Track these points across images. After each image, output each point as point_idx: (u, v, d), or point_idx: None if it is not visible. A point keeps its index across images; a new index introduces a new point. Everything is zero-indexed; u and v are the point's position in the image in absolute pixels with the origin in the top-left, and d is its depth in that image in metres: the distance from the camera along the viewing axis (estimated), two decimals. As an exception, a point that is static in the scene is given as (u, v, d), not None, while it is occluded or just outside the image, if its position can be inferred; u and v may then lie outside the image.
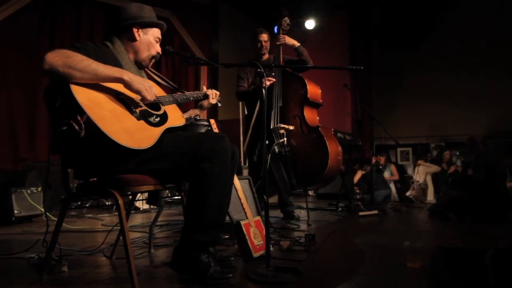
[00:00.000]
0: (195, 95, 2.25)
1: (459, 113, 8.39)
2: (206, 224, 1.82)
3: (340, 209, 4.61)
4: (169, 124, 1.89)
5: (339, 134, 4.31)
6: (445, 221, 4.02)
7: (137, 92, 1.75)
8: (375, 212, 4.43)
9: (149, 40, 2.06)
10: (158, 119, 1.86)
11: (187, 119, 2.15)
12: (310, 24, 8.70)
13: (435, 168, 7.06)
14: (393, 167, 7.51)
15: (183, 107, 2.27)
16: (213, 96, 2.31)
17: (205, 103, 2.31)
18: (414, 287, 1.88)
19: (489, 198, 4.19)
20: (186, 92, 2.22)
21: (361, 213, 4.32)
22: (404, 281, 1.95)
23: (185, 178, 2.03)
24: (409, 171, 8.78)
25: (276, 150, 3.31)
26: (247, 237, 2.25)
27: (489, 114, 8.13)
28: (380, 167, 6.86)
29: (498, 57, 8.14)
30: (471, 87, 8.30)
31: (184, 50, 7.27)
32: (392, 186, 7.24)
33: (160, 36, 2.12)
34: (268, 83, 3.58)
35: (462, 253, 2.64)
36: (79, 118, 1.54)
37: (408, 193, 7.00)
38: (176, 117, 1.98)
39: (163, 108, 1.96)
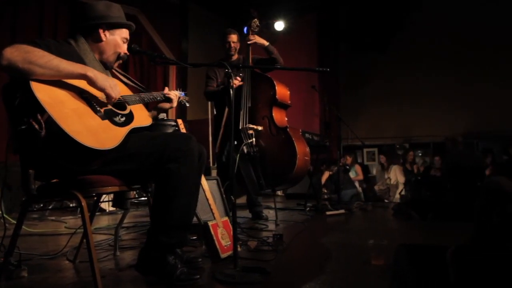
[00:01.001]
0: (161, 96, 2.21)
1: (423, 114, 8.69)
2: (172, 225, 1.80)
3: (308, 209, 4.67)
4: (135, 124, 1.85)
5: (307, 135, 4.36)
6: (408, 219, 4.15)
7: (102, 90, 1.71)
8: (342, 211, 4.51)
9: (116, 40, 1.99)
10: (123, 119, 1.82)
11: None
12: (279, 25, 8.76)
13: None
14: (357, 167, 7.69)
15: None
16: (175, 98, 2.25)
17: (166, 105, 2.24)
18: (378, 284, 1.93)
19: (459, 195, 4.33)
20: (153, 92, 2.19)
21: (328, 213, 4.39)
22: (368, 279, 1.99)
23: (151, 179, 1.99)
24: (374, 171, 9.01)
25: (245, 151, 3.32)
26: (214, 238, 2.24)
27: (453, 116, 8.45)
28: (347, 167, 7.00)
29: (463, 58, 8.48)
30: (435, 88, 8.61)
31: (153, 49, 7.15)
32: (357, 185, 7.41)
33: (128, 37, 2.06)
34: (237, 82, 3.58)
35: (424, 250, 2.73)
36: (39, 117, 1.48)
37: (376, 187, 7.22)
38: (142, 117, 1.95)
39: (129, 107, 1.92)
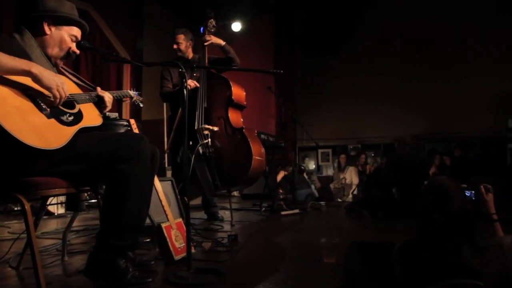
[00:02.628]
0: (94, 97, 2.06)
1: (374, 115, 9.01)
2: (123, 228, 1.75)
3: (263, 209, 4.71)
4: (84, 123, 1.79)
5: (262, 136, 4.40)
6: (360, 218, 4.29)
7: (47, 87, 1.63)
8: (297, 211, 4.59)
9: (62, 36, 1.90)
10: (71, 118, 1.75)
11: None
12: (236, 26, 8.78)
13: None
14: (353, 170, 7.76)
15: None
16: (109, 100, 2.05)
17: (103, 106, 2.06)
18: (330, 281, 1.98)
19: (406, 194, 4.52)
20: (91, 92, 2.08)
21: (283, 213, 4.45)
22: (320, 276, 2.04)
23: (101, 180, 1.93)
24: (329, 171, 9.24)
25: (200, 151, 3.30)
26: (168, 240, 2.20)
27: (402, 118, 8.82)
28: (302, 167, 7.13)
29: (413, 62, 8.86)
30: (386, 90, 8.94)
31: (106, 47, 6.90)
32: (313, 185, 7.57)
33: (78, 35, 1.96)
34: (192, 84, 3.54)
35: (373, 247, 2.83)
36: (-23, 115, 1.39)
37: (331, 185, 7.40)
38: (92, 116, 1.89)
39: (78, 106, 1.85)
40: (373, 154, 9.04)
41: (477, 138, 8.00)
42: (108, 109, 2.05)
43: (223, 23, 8.74)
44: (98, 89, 2.08)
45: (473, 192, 2.03)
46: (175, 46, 3.83)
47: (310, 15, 9.27)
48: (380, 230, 3.73)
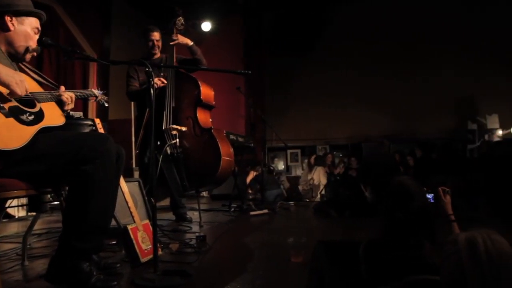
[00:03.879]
0: (56, 95, 1.99)
1: (342, 116, 9.17)
2: (87, 230, 1.71)
3: (232, 209, 4.70)
4: (46, 123, 1.73)
5: (232, 136, 4.39)
6: (327, 217, 4.36)
7: (5, 85, 1.56)
8: (266, 211, 4.61)
9: (26, 30, 1.84)
10: (32, 117, 1.69)
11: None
12: (206, 26, 8.73)
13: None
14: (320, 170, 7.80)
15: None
16: (69, 101, 1.95)
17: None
18: (297, 280, 2.00)
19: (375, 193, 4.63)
20: (54, 91, 2.02)
21: (252, 213, 4.46)
22: (287, 276, 2.07)
23: (64, 181, 1.88)
24: (298, 171, 9.33)
25: (168, 151, 3.26)
26: (134, 242, 2.17)
27: (369, 119, 9.02)
28: (271, 167, 7.17)
29: (380, 64, 9.06)
30: (353, 92, 9.11)
31: (71, 44, 6.68)
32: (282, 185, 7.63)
33: (39, 27, 1.91)
34: (159, 82, 3.49)
35: (340, 246, 2.89)
36: None
37: (300, 187, 7.47)
38: (54, 116, 1.83)
39: (39, 105, 1.79)
40: (341, 155, 9.19)
41: (439, 139, 8.29)
42: (69, 107, 1.97)
43: (192, 22, 8.67)
44: (62, 88, 2.00)
45: (432, 195, 2.11)
46: (150, 44, 3.75)
47: (279, 16, 9.34)
48: (347, 229, 3.81)
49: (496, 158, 5.41)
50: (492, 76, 8.44)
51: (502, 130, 8.10)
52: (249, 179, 7.19)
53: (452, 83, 8.59)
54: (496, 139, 7.88)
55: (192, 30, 8.56)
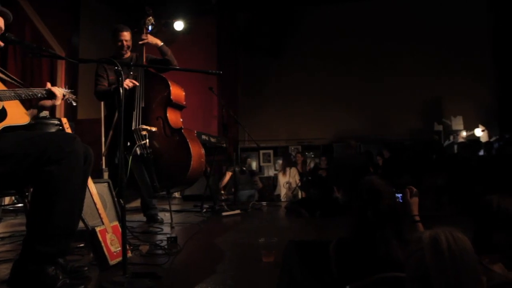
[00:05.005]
0: (43, 92, 2.02)
1: (314, 117, 9.28)
2: (52, 233, 1.66)
3: (204, 210, 4.67)
4: (9, 122, 1.68)
5: (204, 136, 4.36)
6: (299, 216, 4.40)
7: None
8: (238, 211, 4.61)
9: None
10: (-7, 116, 1.63)
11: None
12: (179, 25, 8.66)
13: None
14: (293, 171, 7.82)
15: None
16: (60, 95, 2.06)
17: (47, 102, 2.06)
18: (268, 280, 2.01)
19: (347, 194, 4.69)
20: (33, 88, 1.99)
21: (224, 214, 4.44)
22: (258, 276, 2.07)
23: (28, 183, 1.82)
24: (271, 172, 9.38)
25: (138, 152, 3.21)
26: (103, 244, 2.12)
27: (339, 119, 9.17)
28: (243, 168, 7.17)
29: (353, 63, 9.23)
30: (325, 92, 9.24)
31: (38, 41, 6.46)
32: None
33: (2, 26, 1.84)
34: (131, 84, 3.43)
35: (311, 245, 2.92)
36: None
37: (281, 192, 7.51)
38: (17, 115, 1.77)
39: (1, 103, 1.73)
40: (312, 155, 9.29)
41: (407, 140, 8.53)
42: (58, 103, 1.98)
43: (165, 21, 8.59)
44: (48, 84, 2.03)
45: (401, 194, 2.16)
46: (119, 44, 3.66)
47: (252, 17, 9.37)
48: (318, 229, 3.85)
49: (460, 159, 5.63)
50: (457, 78, 8.76)
51: (466, 132, 8.41)
52: (226, 180, 7.16)
53: (420, 84, 8.86)
54: (460, 140, 8.17)
55: (165, 29, 8.47)
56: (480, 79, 8.87)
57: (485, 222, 1.66)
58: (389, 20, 9.01)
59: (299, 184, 6.64)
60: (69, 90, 2.22)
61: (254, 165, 9.21)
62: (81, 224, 2.38)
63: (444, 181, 4.92)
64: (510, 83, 8.71)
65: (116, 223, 2.36)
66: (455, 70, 8.79)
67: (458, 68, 8.81)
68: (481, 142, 7.04)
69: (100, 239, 2.12)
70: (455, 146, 7.82)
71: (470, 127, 8.46)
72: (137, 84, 3.50)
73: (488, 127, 8.40)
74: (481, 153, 6.37)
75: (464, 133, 8.40)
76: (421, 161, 5.94)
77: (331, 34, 9.27)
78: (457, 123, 8.47)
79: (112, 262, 2.13)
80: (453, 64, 8.83)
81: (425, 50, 8.93)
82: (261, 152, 9.32)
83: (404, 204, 2.07)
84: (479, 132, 8.27)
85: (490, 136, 8.16)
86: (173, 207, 4.02)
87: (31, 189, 1.78)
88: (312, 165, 7.83)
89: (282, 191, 7.59)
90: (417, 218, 2.05)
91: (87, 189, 2.10)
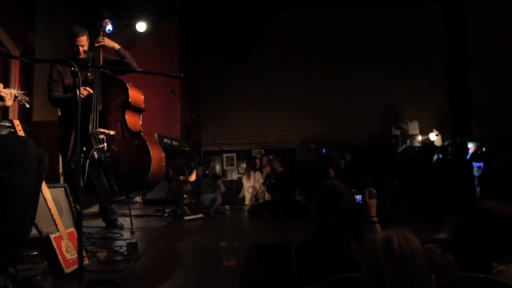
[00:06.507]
0: None
1: (277, 121, 9.36)
2: (3, 241, 1.59)
3: (166, 214, 4.60)
4: (-46, 124, 1.58)
5: (165, 140, 4.29)
6: (262, 220, 4.42)
7: None
8: (200, 215, 4.56)
9: None
10: None
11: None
12: (141, 26, 8.49)
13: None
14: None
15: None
16: (9, 97, 1.94)
17: None
18: (229, 284, 2.01)
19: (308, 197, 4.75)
20: None
21: (186, 218, 4.39)
22: (220, 280, 2.07)
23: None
24: (234, 175, 9.37)
25: (95, 156, 3.11)
26: (57, 252, 2.04)
27: (302, 124, 9.30)
28: (207, 172, 7.12)
29: (315, 68, 9.39)
30: (288, 97, 9.34)
31: (-11, 39, 6.16)
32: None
33: None
34: (85, 92, 3.31)
35: (273, 248, 2.94)
36: None
37: (247, 196, 7.50)
38: (-36, 117, 1.68)
39: None
40: (270, 157, 9.35)
41: (368, 144, 8.78)
42: (8, 104, 1.89)
43: (127, 22, 8.40)
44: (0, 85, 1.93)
45: (360, 196, 2.22)
46: (75, 49, 3.48)
47: (216, 20, 9.35)
48: (281, 232, 3.89)
49: (416, 162, 5.86)
50: (414, 83, 9.13)
51: (422, 136, 8.77)
52: (192, 178, 7.04)
53: (379, 90, 9.15)
54: (416, 144, 8.51)
55: (127, 30, 8.29)
56: (435, 85, 9.30)
57: (472, 224, 1.74)
58: (350, 27, 9.27)
59: (267, 183, 6.65)
60: (22, 92, 2.12)
61: (217, 168, 9.17)
62: (34, 231, 2.29)
63: (400, 183, 5.09)
64: (462, 89, 9.20)
65: (72, 229, 2.28)
66: (412, 76, 9.15)
67: (415, 73, 9.18)
68: (436, 146, 7.36)
69: (55, 246, 2.04)
70: (411, 150, 8.13)
71: (425, 132, 8.82)
72: (91, 92, 3.39)
73: (441, 132, 8.79)
74: (436, 157, 6.66)
75: (419, 137, 8.75)
76: (380, 164, 6.12)
77: (294, 39, 9.42)
78: (413, 127, 8.82)
79: (68, 270, 2.06)
80: (410, 70, 9.19)
81: (384, 56, 9.24)
82: (224, 155, 9.29)
83: (363, 205, 2.13)
84: (433, 136, 8.63)
85: (443, 140, 8.55)
86: (134, 212, 3.94)
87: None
88: (266, 166, 7.84)
89: (247, 195, 7.60)
90: (375, 219, 2.12)
91: (41, 195, 2.03)
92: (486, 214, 1.70)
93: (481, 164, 6.67)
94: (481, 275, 1.44)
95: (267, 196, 6.83)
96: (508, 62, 8.68)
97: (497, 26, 8.79)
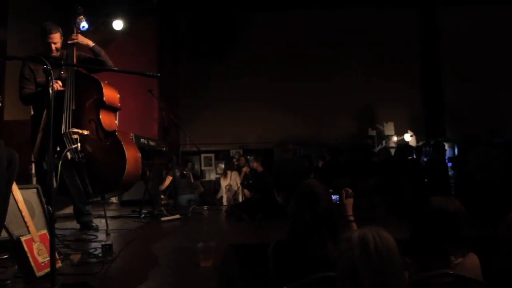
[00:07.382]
0: None
1: (256, 121, 9.38)
2: (-30, 244, 1.53)
3: (143, 215, 4.53)
4: None
5: (142, 140, 4.24)
6: (239, 220, 4.41)
7: None
8: (178, 216, 4.52)
9: None
10: None
11: None
12: (118, 24, 8.34)
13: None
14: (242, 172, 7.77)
15: None
16: None
17: None
18: (206, 285, 2.00)
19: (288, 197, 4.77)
20: None
21: (163, 219, 4.33)
22: (196, 281, 2.05)
23: None
24: (212, 175, 9.34)
25: (69, 157, 3.04)
26: (28, 255, 1.98)
27: (280, 124, 9.34)
28: (184, 172, 7.06)
29: (294, 68, 9.44)
30: (266, 97, 9.36)
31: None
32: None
33: None
34: (57, 86, 3.23)
35: (250, 248, 2.94)
36: None
37: (224, 196, 7.47)
38: None
39: None
40: (248, 157, 9.37)
41: (345, 144, 8.89)
42: None
43: (103, 19, 8.24)
44: None
45: (337, 196, 2.25)
46: (47, 47, 3.37)
47: (194, 20, 9.30)
48: (258, 232, 3.89)
49: (391, 163, 5.97)
50: (390, 85, 9.31)
51: (397, 137, 8.95)
52: (166, 184, 6.99)
53: (356, 90, 9.29)
54: (391, 145, 8.67)
55: (103, 28, 8.13)
56: (409, 87, 9.52)
57: (422, 222, 1.78)
58: (326, 28, 9.40)
59: (245, 183, 6.66)
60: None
61: (196, 168, 9.12)
62: (4, 234, 2.22)
63: (376, 182, 5.18)
64: (435, 91, 9.45)
65: (44, 231, 2.22)
66: (387, 78, 9.32)
67: (390, 76, 9.36)
68: (412, 146, 7.51)
69: (26, 249, 1.99)
70: (386, 151, 8.27)
71: (400, 133, 9.01)
72: (63, 88, 3.31)
73: (416, 133, 8.99)
74: (410, 157, 6.79)
75: (395, 138, 8.92)
76: (357, 164, 6.21)
77: (272, 40, 9.46)
78: (389, 128, 8.98)
79: (40, 273, 2.00)
80: (386, 72, 9.37)
81: (361, 58, 9.39)
82: (203, 156, 9.25)
83: (340, 205, 2.16)
84: (408, 137, 8.82)
85: (417, 141, 8.74)
86: (110, 213, 3.86)
87: None
88: (245, 165, 7.85)
89: (225, 196, 7.58)
90: (352, 218, 2.15)
91: (11, 196, 1.97)
92: (437, 212, 1.76)
93: (451, 164, 6.86)
94: (444, 271, 1.48)
95: (247, 193, 6.85)
96: (478, 65, 8.98)
97: (468, 30, 9.10)
